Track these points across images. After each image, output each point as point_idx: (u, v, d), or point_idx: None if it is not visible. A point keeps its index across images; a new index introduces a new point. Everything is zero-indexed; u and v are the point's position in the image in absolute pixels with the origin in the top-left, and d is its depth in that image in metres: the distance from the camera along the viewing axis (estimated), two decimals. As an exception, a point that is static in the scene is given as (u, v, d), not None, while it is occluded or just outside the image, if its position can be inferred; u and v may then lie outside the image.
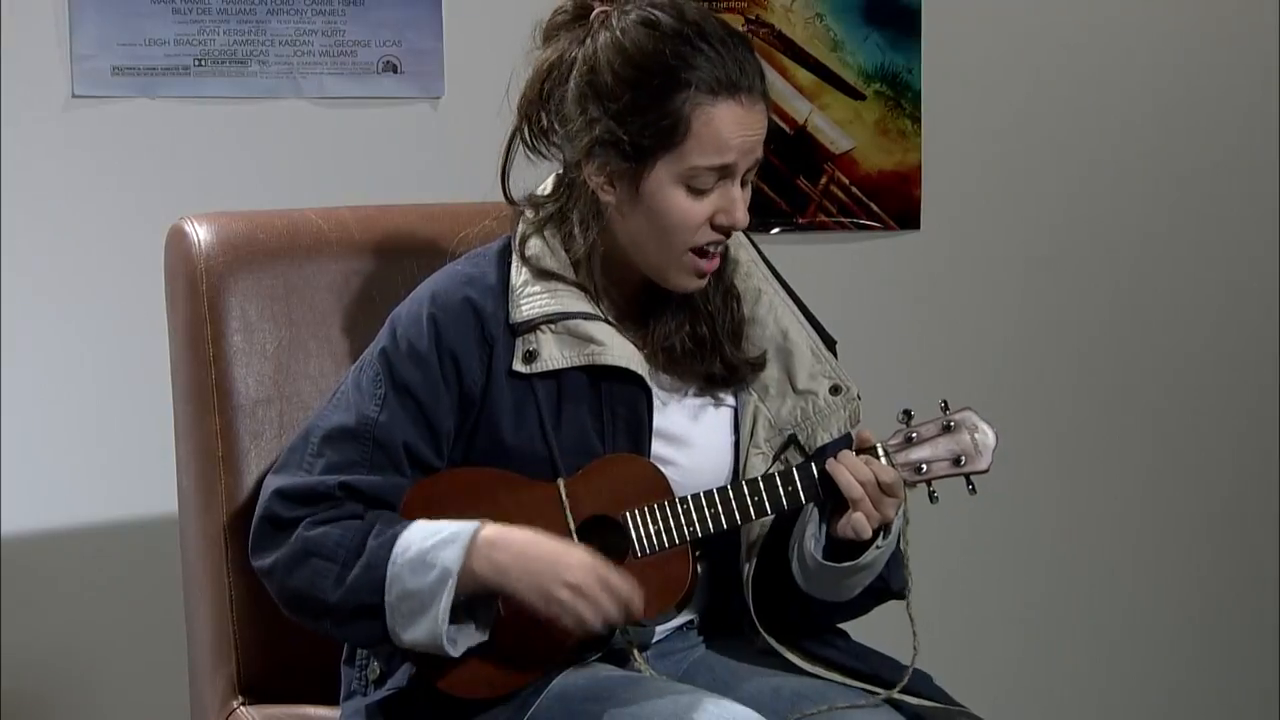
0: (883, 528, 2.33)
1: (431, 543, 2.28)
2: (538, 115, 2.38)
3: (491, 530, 2.28)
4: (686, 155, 2.30)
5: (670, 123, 2.29)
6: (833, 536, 2.33)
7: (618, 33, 2.32)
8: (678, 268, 2.36)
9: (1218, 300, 4.04)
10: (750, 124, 2.31)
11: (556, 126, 2.37)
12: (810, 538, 2.34)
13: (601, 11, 2.35)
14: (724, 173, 2.31)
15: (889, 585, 2.41)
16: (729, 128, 2.29)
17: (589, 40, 2.33)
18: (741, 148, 2.31)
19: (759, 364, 2.43)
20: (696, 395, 2.43)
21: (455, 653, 2.28)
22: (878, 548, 2.33)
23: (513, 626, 2.31)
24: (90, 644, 3.32)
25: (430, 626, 2.26)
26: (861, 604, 2.42)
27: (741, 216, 2.34)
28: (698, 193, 2.32)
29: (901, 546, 2.37)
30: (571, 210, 2.38)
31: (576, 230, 2.37)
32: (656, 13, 2.32)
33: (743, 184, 2.34)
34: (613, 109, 2.30)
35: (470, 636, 2.30)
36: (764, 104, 2.34)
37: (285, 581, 2.34)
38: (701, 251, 2.34)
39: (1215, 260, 4.04)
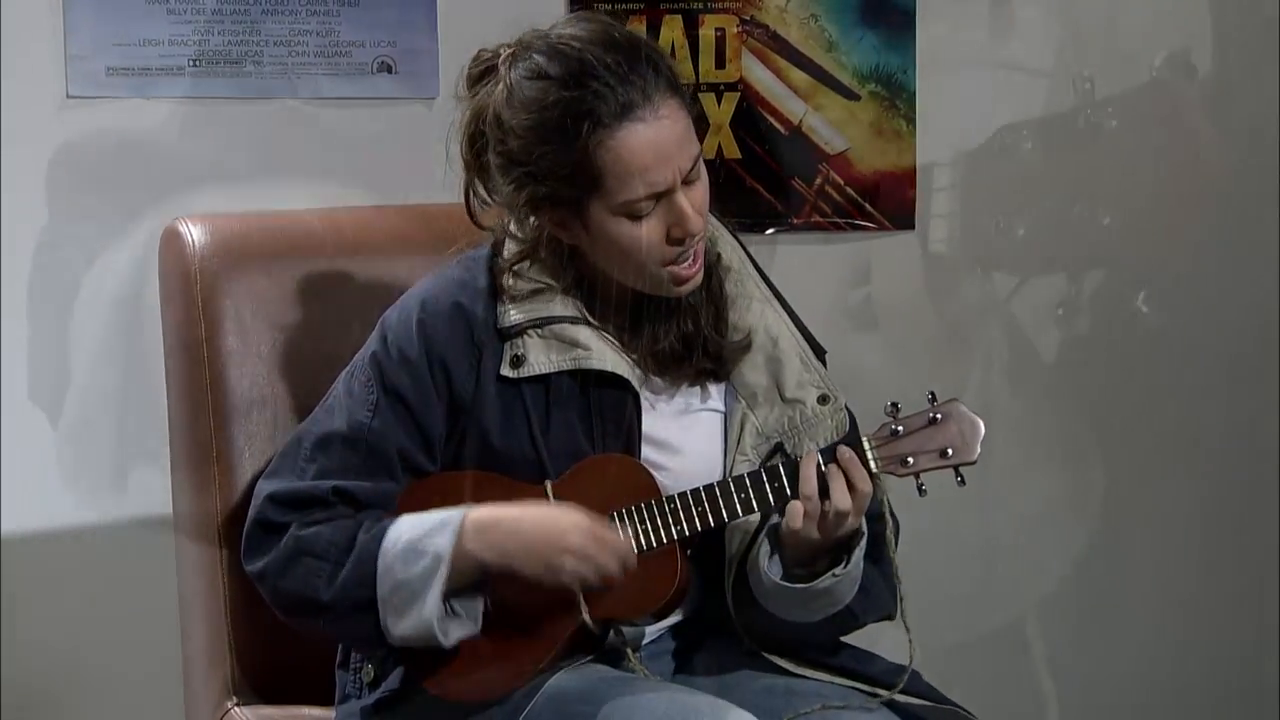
0: (845, 553, 2.31)
1: (421, 531, 2.29)
2: (478, 178, 2.38)
3: (479, 513, 2.29)
4: (611, 193, 2.29)
5: (582, 170, 2.28)
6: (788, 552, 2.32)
7: (512, 87, 2.31)
8: (658, 283, 2.36)
9: (1216, 300, 4.03)
10: (660, 137, 2.28)
11: (493, 196, 2.37)
12: (764, 555, 2.34)
13: (508, 56, 2.34)
14: (657, 196, 2.30)
15: (858, 618, 2.39)
16: (638, 153, 2.27)
17: (494, 98, 2.32)
18: (661, 161, 2.28)
19: (745, 346, 2.43)
20: (687, 397, 2.43)
21: (447, 643, 2.28)
22: (834, 575, 2.31)
23: (503, 625, 2.31)
24: (85, 644, 3.31)
25: (422, 615, 2.26)
26: (833, 629, 2.40)
27: (694, 225, 2.32)
28: (640, 218, 2.31)
29: (890, 554, 2.36)
30: (545, 247, 2.39)
31: (557, 262, 2.39)
32: (539, 59, 2.30)
33: (689, 183, 2.32)
34: (529, 170, 2.30)
35: (462, 627, 2.30)
36: (672, 101, 2.30)
37: (278, 584, 2.35)
38: (675, 261, 2.34)
39: (1214, 260, 4.03)
